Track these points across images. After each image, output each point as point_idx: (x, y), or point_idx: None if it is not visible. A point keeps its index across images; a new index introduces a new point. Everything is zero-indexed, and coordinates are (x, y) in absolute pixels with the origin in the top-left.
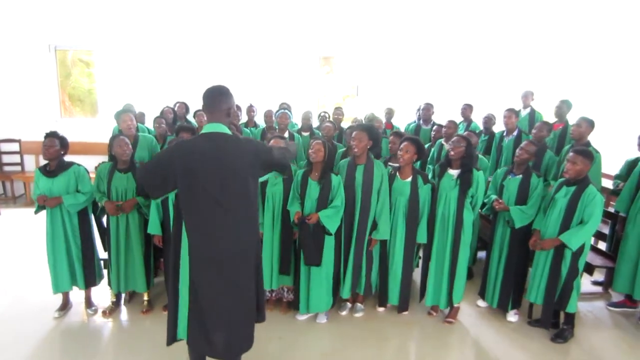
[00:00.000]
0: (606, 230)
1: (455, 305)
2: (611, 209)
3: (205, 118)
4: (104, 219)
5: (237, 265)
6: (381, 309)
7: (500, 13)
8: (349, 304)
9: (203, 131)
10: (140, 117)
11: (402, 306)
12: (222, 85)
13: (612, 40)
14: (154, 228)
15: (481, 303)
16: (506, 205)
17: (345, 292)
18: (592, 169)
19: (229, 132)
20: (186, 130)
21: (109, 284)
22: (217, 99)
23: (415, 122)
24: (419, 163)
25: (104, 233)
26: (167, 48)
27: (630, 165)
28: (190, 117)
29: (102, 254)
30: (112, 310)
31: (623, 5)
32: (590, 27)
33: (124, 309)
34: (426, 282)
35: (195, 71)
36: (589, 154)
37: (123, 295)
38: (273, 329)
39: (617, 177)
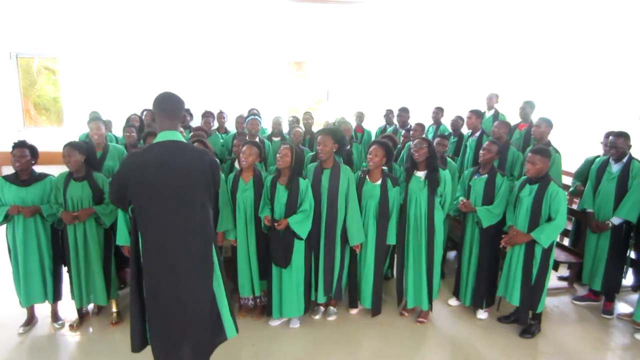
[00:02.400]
0: (570, 226)
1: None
2: (574, 206)
3: (157, 123)
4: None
5: (193, 275)
6: (354, 311)
7: (467, 19)
8: (322, 308)
9: (160, 139)
10: (108, 126)
11: (375, 309)
12: (174, 93)
13: (573, 45)
14: (123, 239)
15: (452, 302)
16: (473, 206)
17: (320, 297)
18: (552, 168)
19: (182, 139)
20: (154, 135)
21: (72, 296)
22: (177, 106)
23: (384, 125)
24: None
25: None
26: (135, 54)
27: (589, 165)
28: None
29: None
30: (80, 324)
31: (582, 12)
32: (554, 32)
33: (92, 321)
34: (403, 286)
35: (163, 78)
36: (546, 153)
37: (91, 307)
38: (246, 336)
39: (576, 176)
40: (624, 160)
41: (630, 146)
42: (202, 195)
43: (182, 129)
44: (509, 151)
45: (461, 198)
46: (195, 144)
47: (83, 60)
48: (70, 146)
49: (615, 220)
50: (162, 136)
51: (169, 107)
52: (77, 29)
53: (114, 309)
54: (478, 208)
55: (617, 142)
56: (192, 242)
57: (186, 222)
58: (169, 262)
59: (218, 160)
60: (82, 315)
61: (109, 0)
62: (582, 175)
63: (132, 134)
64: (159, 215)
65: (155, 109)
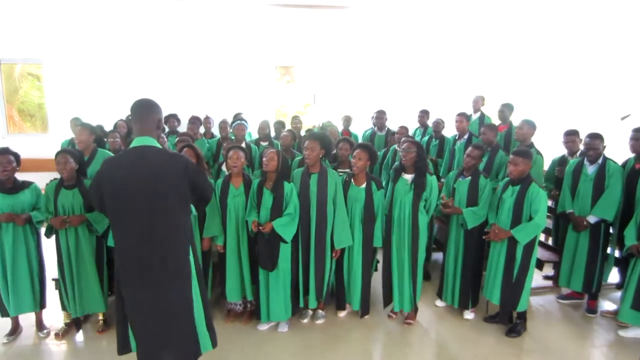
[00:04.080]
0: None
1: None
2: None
3: (133, 129)
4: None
5: (166, 283)
6: (342, 314)
7: (450, 24)
8: (310, 311)
9: (133, 144)
10: (97, 131)
11: (364, 310)
12: (149, 98)
13: (552, 49)
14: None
15: (439, 303)
16: (458, 207)
17: (312, 302)
18: (534, 169)
19: (158, 145)
20: None
21: (62, 307)
22: (149, 110)
23: (371, 129)
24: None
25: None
26: (121, 59)
27: (556, 165)
28: None
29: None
30: (66, 332)
31: (560, 17)
32: (535, 36)
33: (79, 329)
34: (389, 288)
35: (149, 83)
36: (527, 154)
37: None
38: (234, 341)
39: (547, 179)
40: (599, 161)
41: (604, 147)
42: (174, 201)
43: (163, 135)
44: (497, 154)
45: (442, 195)
46: (185, 149)
47: (68, 65)
48: (65, 153)
49: (591, 219)
50: (136, 142)
51: (141, 113)
52: (61, 35)
53: (101, 317)
54: (464, 210)
55: (594, 144)
56: (164, 250)
57: (157, 230)
58: (142, 270)
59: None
60: (79, 324)
61: (94, 5)
62: (552, 176)
63: (115, 140)
64: (129, 223)
65: (131, 116)
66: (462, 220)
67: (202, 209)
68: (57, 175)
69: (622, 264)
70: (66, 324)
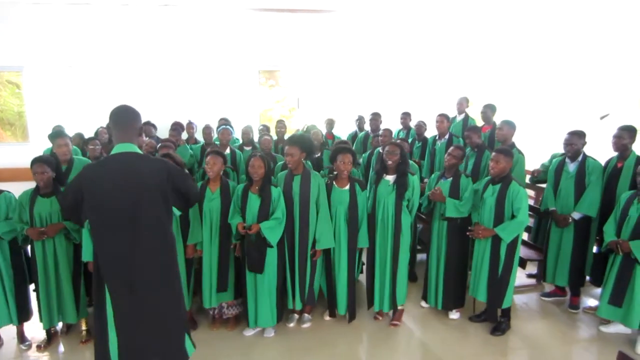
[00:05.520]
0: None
1: (400, 307)
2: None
3: (113, 136)
4: (29, 249)
5: (154, 291)
6: (328, 317)
7: (433, 28)
8: (296, 315)
9: (114, 151)
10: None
11: (351, 315)
12: (130, 105)
13: (536, 51)
14: (88, 254)
15: (424, 304)
16: (443, 197)
17: (297, 304)
18: (516, 169)
19: (139, 151)
20: None
21: (40, 318)
22: (131, 118)
23: (355, 131)
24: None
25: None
26: (101, 66)
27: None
28: None
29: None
30: (48, 344)
31: (542, 20)
32: (517, 40)
33: (61, 340)
34: (372, 289)
35: (129, 89)
36: (509, 152)
37: (60, 327)
38: (220, 347)
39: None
40: (579, 158)
41: (584, 144)
42: (159, 207)
43: (146, 140)
44: (484, 154)
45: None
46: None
47: (48, 73)
48: (42, 162)
49: (576, 215)
50: (117, 148)
51: (122, 119)
52: (41, 41)
53: (84, 327)
54: (447, 199)
55: (571, 140)
56: (150, 257)
57: (141, 237)
58: (128, 279)
59: (187, 171)
60: (51, 336)
61: (74, 12)
62: (546, 167)
63: (96, 147)
64: (113, 231)
65: (110, 123)
66: (443, 210)
67: (187, 211)
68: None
69: (599, 260)
70: (48, 337)
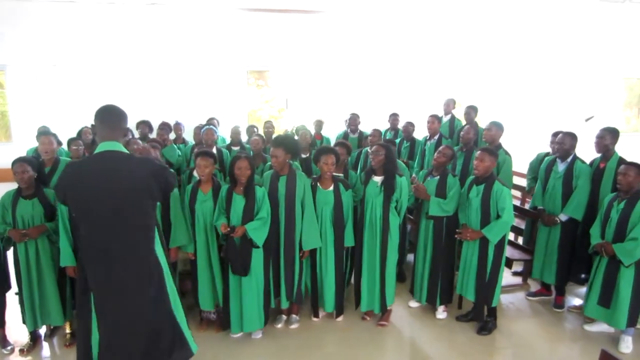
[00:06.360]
0: (524, 225)
1: (388, 307)
2: (527, 206)
3: (98, 135)
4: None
5: (139, 291)
6: (316, 319)
7: (421, 29)
8: (284, 316)
9: (98, 149)
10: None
11: (339, 311)
12: (116, 105)
13: (522, 54)
14: (67, 259)
15: (412, 304)
16: (427, 194)
17: (283, 303)
18: (503, 169)
19: (124, 150)
20: None
21: (23, 320)
22: (119, 117)
23: (344, 131)
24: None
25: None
26: (86, 65)
27: (540, 160)
28: None
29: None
30: (31, 348)
31: (529, 27)
32: (503, 42)
33: (44, 344)
34: (360, 289)
35: (116, 89)
36: (493, 152)
37: (44, 330)
38: (206, 349)
39: (529, 172)
40: (569, 159)
41: (573, 146)
42: (143, 206)
43: (138, 141)
44: (473, 154)
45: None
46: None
47: (31, 71)
48: (23, 161)
49: (563, 217)
50: (102, 147)
51: (107, 118)
52: (23, 40)
53: (68, 330)
54: (432, 197)
55: (560, 139)
56: (135, 258)
57: (126, 236)
58: (112, 279)
59: (174, 172)
60: (35, 339)
61: (57, 10)
62: (534, 170)
63: (79, 148)
64: (97, 231)
65: (95, 121)
66: (428, 209)
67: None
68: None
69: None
70: (31, 339)
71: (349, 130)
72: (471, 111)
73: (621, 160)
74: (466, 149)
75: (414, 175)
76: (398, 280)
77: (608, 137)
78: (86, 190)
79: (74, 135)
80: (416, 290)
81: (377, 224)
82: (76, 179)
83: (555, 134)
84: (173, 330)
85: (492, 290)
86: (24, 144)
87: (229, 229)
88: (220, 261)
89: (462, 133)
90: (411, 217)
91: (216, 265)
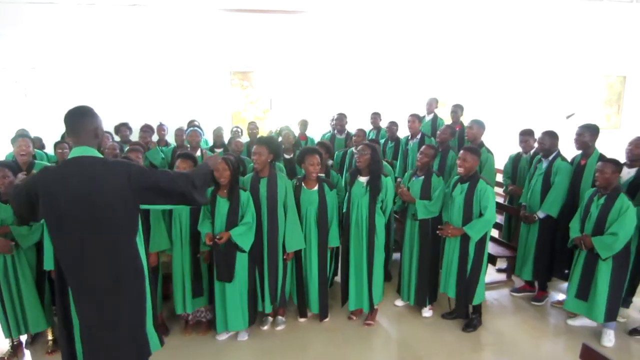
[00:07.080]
0: (501, 221)
1: (375, 306)
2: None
3: (70, 140)
4: None
5: (114, 299)
6: (302, 320)
7: (403, 28)
8: (270, 318)
9: (70, 155)
10: (38, 142)
11: (323, 313)
12: (84, 105)
13: (503, 53)
14: (50, 263)
15: (398, 302)
16: (412, 197)
17: (267, 307)
18: (486, 168)
19: (98, 154)
20: None
21: (3, 329)
22: (82, 120)
23: (330, 132)
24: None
25: None
26: (67, 66)
27: (514, 161)
28: None
29: None
30: (12, 356)
31: (510, 26)
32: (486, 42)
33: (26, 352)
34: (347, 288)
35: (97, 91)
36: (475, 151)
37: (24, 338)
38: (192, 352)
39: (505, 174)
40: (550, 157)
41: (554, 144)
42: (118, 212)
43: (116, 144)
44: (448, 154)
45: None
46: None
47: (9, 75)
48: (3, 166)
49: (540, 214)
50: (74, 152)
51: (74, 123)
52: (1, 42)
53: (50, 337)
54: (417, 201)
55: (541, 139)
56: (111, 263)
57: (100, 243)
58: (87, 285)
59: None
60: (15, 347)
61: (36, 12)
62: (509, 172)
63: (64, 151)
64: (70, 236)
65: (65, 127)
66: (414, 211)
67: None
68: None
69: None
70: (12, 347)
71: (335, 131)
72: (457, 109)
73: (601, 157)
74: (442, 148)
75: (399, 179)
76: (384, 280)
77: (587, 134)
78: (58, 197)
79: (56, 138)
80: (404, 290)
81: (363, 224)
82: (48, 186)
83: (522, 133)
84: (140, 333)
85: (473, 288)
86: (1, 148)
87: (214, 240)
88: (191, 266)
89: (438, 132)
90: (397, 217)
91: (187, 270)
